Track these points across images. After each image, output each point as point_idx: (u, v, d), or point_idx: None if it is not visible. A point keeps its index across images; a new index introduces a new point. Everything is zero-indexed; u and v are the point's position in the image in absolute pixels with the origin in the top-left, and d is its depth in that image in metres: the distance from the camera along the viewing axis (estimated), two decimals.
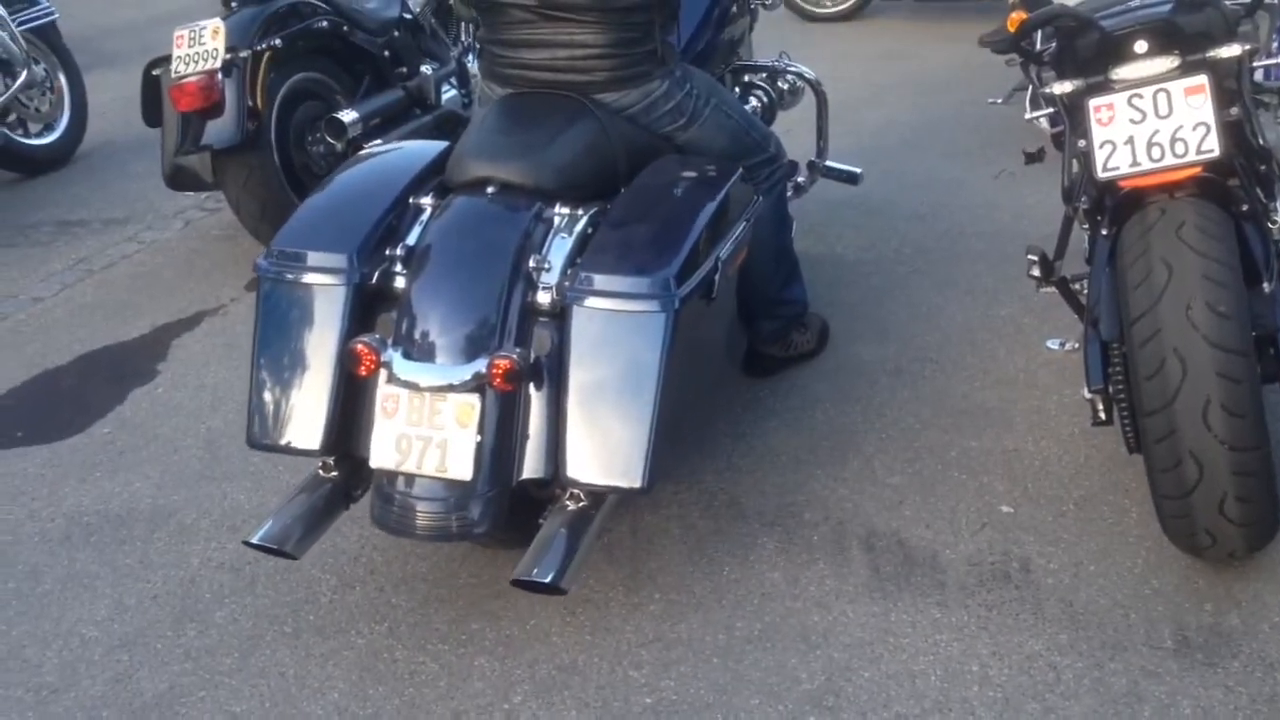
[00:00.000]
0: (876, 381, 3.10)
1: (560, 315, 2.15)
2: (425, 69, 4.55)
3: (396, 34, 4.51)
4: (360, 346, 2.11)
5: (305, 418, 2.22)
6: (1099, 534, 2.44)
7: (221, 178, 3.96)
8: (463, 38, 4.91)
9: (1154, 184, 2.19)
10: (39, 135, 5.16)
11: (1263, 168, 2.33)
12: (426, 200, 2.38)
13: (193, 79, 3.82)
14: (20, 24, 5.03)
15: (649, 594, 2.41)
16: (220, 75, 3.82)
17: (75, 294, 4.03)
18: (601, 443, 2.09)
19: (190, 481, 2.93)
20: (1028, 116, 2.62)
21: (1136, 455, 2.28)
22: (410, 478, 2.13)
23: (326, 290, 2.24)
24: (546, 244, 2.26)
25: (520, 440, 2.15)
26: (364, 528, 2.68)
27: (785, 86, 3.55)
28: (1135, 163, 2.17)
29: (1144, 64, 2.20)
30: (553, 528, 2.14)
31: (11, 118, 4.98)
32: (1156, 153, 2.15)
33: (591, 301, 2.11)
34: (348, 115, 4.12)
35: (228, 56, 3.82)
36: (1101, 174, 2.21)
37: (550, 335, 2.17)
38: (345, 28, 4.27)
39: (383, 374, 2.11)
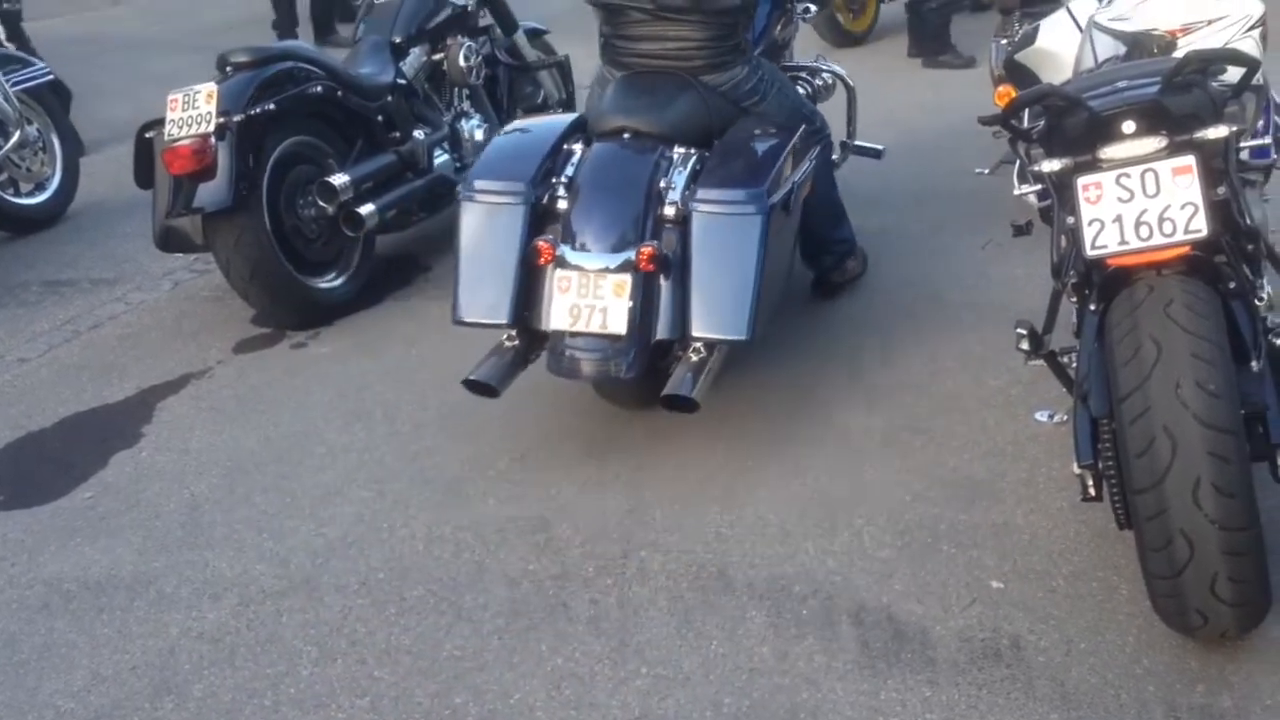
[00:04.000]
0: (866, 451, 3.09)
1: (683, 221, 2.99)
2: (418, 133, 4.57)
3: (390, 98, 4.54)
4: (542, 243, 2.99)
5: (496, 300, 3.04)
6: (1090, 611, 2.42)
7: (212, 240, 3.95)
8: (455, 103, 4.94)
9: (1142, 261, 2.20)
10: (30, 195, 5.16)
11: (1249, 246, 2.35)
12: (577, 146, 3.23)
13: (186, 142, 3.83)
14: (14, 84, 5.06)
15: (635, 668, 2.38)
16: (213, 139, 3.83)
17: (61, 355, 4.01)
18: (716, 307, 2.93)
19: (171, 548, 2.90)
20: (1016, 192, 2.63)
21: (1127, 531, 2.27)
22: (578, 336, 2.96)
23: (511, 208, 3.07)
24: (670, 173, 3.10)
25: (656, 310, 2.96)
26: (346, 596, 2.66)
27: (821, 83, 4.27)
28: (1124, 241, 2.19)
29: (1132, 144, 2.22)
30: (682, 370, 2.96)
31: (3, 177, 4.99)
32: (1145, 232, 2.16)
33: (707, 209, 2.96)
34: (339, 179, 4.13)
35: (221, 120, 3.84)
36: (1090, 252, 2.22)
37: (675, 236, 2.99)
38: (339, 92, 4.29)
39: (557, 262, 2.96)
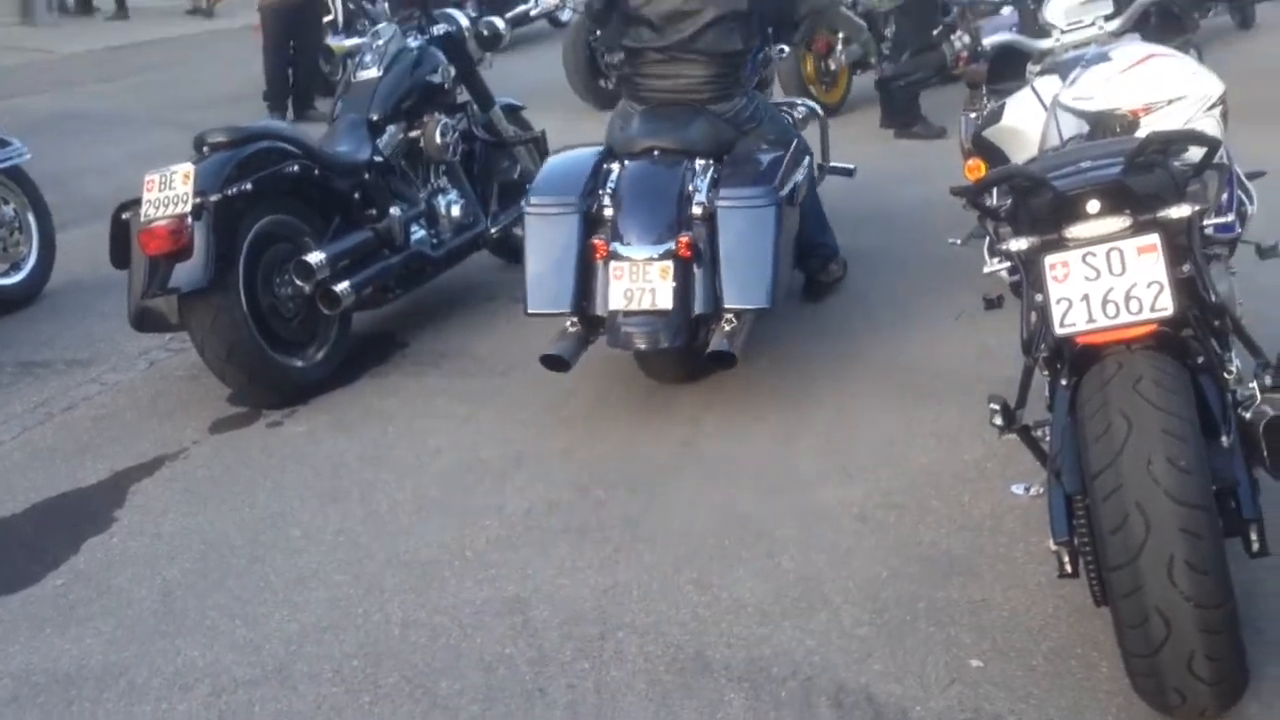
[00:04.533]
0: (842, 527, 3.08)
1: (709, 218, 3.70)
2: (394, 210, 4.59)
3: (367, 176, 4.56)
4: (597, 241, 3.70)
5: (559, 291, 3.72)
6: (1069, 689, 2.40)
7: (188, 320, 3.95)
8: (431, 179, 4.97)
9: (1111, 339, 2.22)
10: (5, 275, 5.14)
11: (1216, 321, 2.37)
12: (614, 165, 3.90)
13: (162, 223, 3.84)
14: None
15: None
16: (190, 219, 3.84)
17: (35, 437, 3.98)
18: (743, 283, 3.64)
19: (143, 636, 2.85)
20: (986, 270, 2.66)
21: (1105, 607, 2.26)
22: (632, 314, 3.62)
23: (567, 217, 3.75)
24: (694, 180, 3.81)
25: (693, 290, 3.66)
26: (320, 685, 2.62)
27: (799, 114, 4.92)
28: (1091, 319, 2.20)
29: (1097, 223, 2.25)
30: (719, 335, 3.64)
31: None
32: (1112, 310, 2.19)
33: (730, 204, 3.70)
34: (315, 257, 4.15)
35: (198, 200, 3.85)
36: (1059, 330, 2.24)
37: (704, 229, 3.69)
38: (316, 171, 4.31)
39: (611, 256, 3.67)
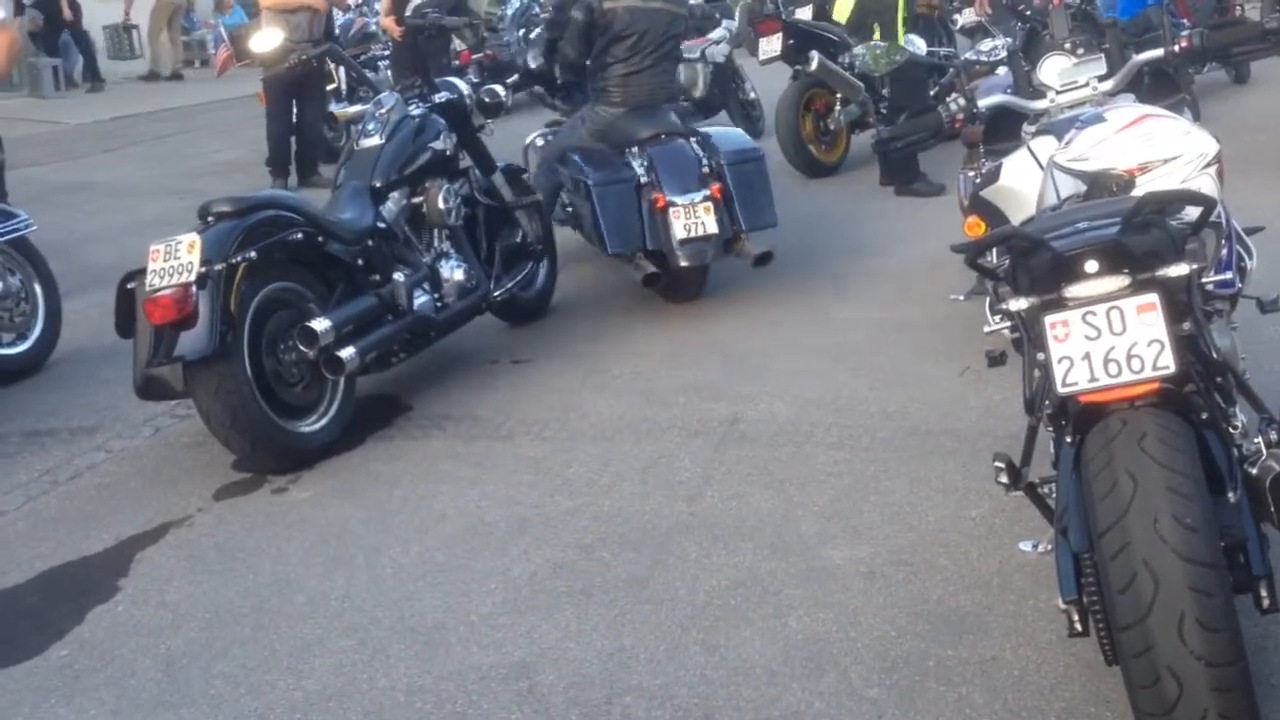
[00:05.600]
0: (850, 586, 3.07)
1: (720, 172, 5.40)
2: (398, 275, 4.62)
3: (370, 242, 4.60)
4: (656, 195, 5.25)
5: (632, 237, 5.29)
6: None
7: (193, 387, 3.96)
8: (434, 244, 5.01)
9: (1113, 397, 2.23)
10: (11, 344, 5.17)
11: (1219, 377, 2.38)
12: (635, 151, 5.44)
13: (167, 292, 3.86)
14: None
15: None
16: (194, 288, 3.87)
17: (40, 506, 3.97)
18: (756, 211, 5.42)
19: (146, 708, 2.83)
20: (987, 329, 2.68)
21: (1117, 665, 2.25)
22: (689, 241, 5.24)
23: (625, 185, 5.32)
24: (697, 150, 5.44)
25: (724, 221, 5.29)
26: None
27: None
28: (1093, 378, 2.21)
29: (1096, 282, 2.26)
30: (748, 247, 5.44)
31: None
32: (1114, 369, 2.19)
33: (738, 161, 5.48)
34: (320, 324, 4.16)
35: (203, 269, 3.88)
36: (1061, 389, 2.25)
37: (716, 181, 5.35)
38: (320, 238, 4.35)
39: (669, 205, 5.25)
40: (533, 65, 6.29)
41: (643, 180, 5.28)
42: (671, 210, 5.22)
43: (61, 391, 5.00)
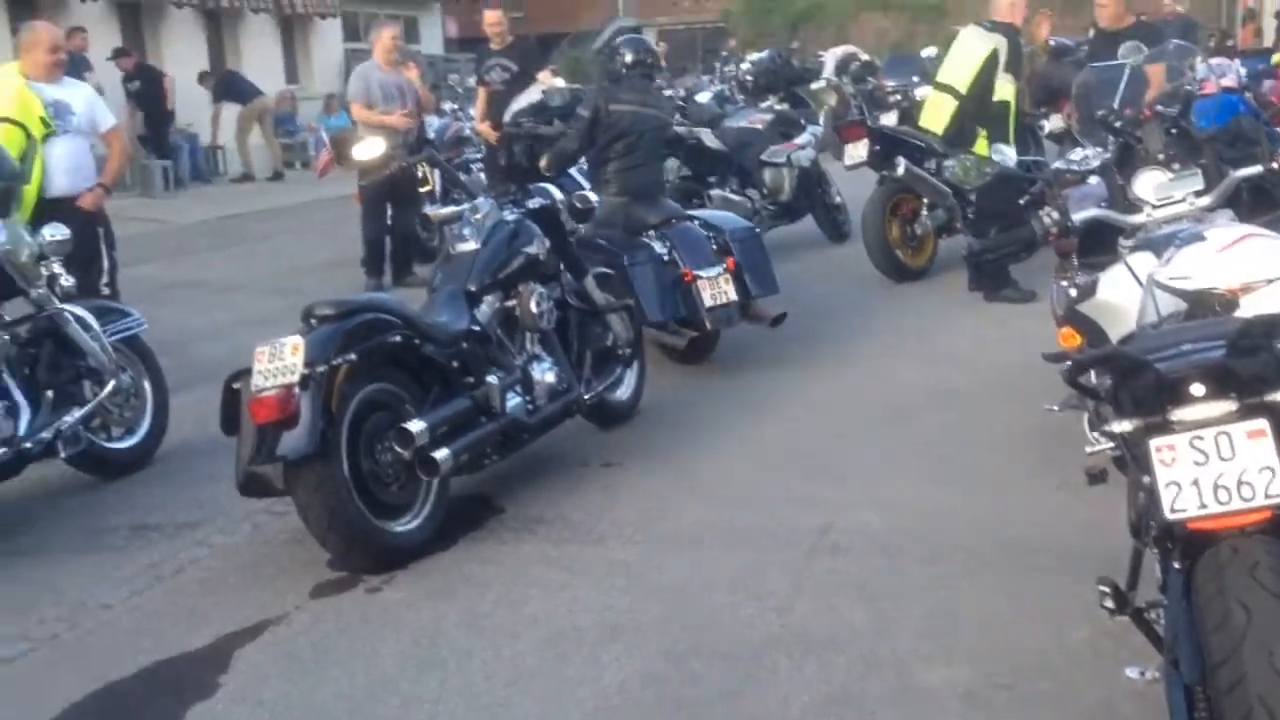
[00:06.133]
0: (948, 708, 3.02)
1: (726, 248, 6.25)
2: (492, 378, 4.70)
3: (465, 345, 4.70)
4: (684, 270, 6.07)
5: (670, 305, 6.03)
6: None
7: (292, 486, 4.05)
8: (527, 347, 5.10)
9: (1223, 525, 2.19)
10: (120, 439, 5.34)
11: None
12: (651, 234, 6.18)
13: (271, 393, 3.98)
14: (111, 335, 5.31)
15: None
16: (297, 389, 3.98)
17: (144, 601, 4.07)
18: (762, 280, 6.35)
19: None
20: (1089, 450, 2.65)
21: None
22: (717, 307, 6.06)
23: (656, 265, 6.05)
24: (706, 231, 6.36)
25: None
26: None
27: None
28: (1203, 505, 2.18)
29: (1202, 406, 2.24)
30: (761, 312, 6.40)
31: (95, 422, 5.18)
32: (1224, 495, 2.17)
33: (740, 239, 6.35)
34: (415, 425, 4.25)
35: (305, 371, 3.99)
36: (1169, 515, 2.22)
37: (727, 254, 6.22)
38: (417, 341, 4.46)
39: (695, 279, 6.04)
40: (502, 161, 7.48)
41: (665, 258, 6.03)
42: (699, 282, 6.01)
43: (167, 486, 5.14)
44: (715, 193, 8.84)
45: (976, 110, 7.52)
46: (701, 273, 6.00)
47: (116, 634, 3.84)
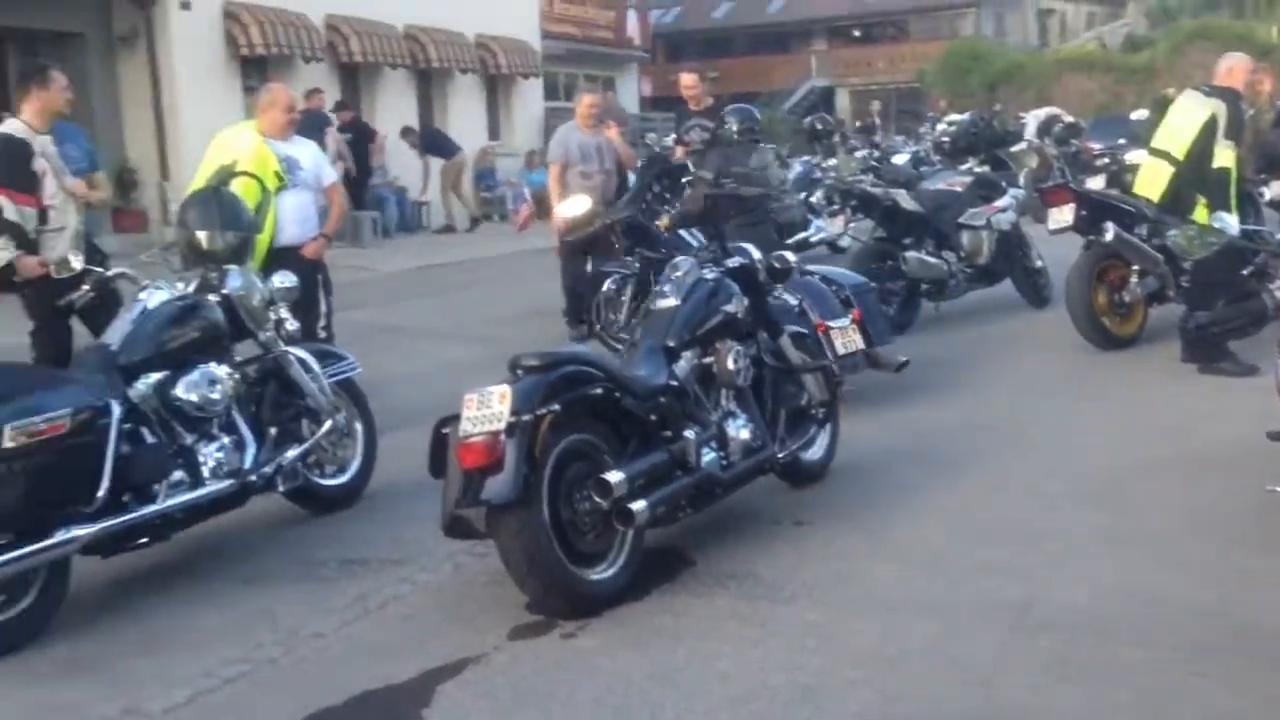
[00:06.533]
0: None
1: (849, 301, 6.55)
2: (689, 433, 4.76)
3: (663, 399, 4.77)
4: (817, 321, 6.20)
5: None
6: None
7: (495, 530, 4.19)
8: (722, 403, 5.14)
9: None
10: (332, 476, 5.62)
11: None
12: (780, 287, 5.87)
13: (478, 439, 4.13)
14: (329, 377, 5.60)
15: None
16: (503, 437, 4.12)
17: (353, 632, 4.26)
18: (880, 329, 6.74)
19: None
20: None
21: None
22: (847, 355, 6.26)
23: (790, 312, 6.03)
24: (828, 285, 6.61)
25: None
26: None
27: None
28: None
29: None
30: (885, 359, 6.53)
31: (312, 459, 5.47)
32: None
33: (857, 290, 6.72)
34: (614, 476, 4.33)
35: (512, 419, 4.13)
36: None
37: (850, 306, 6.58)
38: (617, 394, 4.56)
39: (828, 329, 6.28)
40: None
41: (797, 310, 6.20)
42: (831, 332, 6.27)
43: (374, 523, 5.38)
44: (910, 255, 8.76)
45: (1194, 177, 7.25)
46: (832, 323, 6.31)
47: (328, 662, 4.03)
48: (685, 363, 5.01)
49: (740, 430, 5.06)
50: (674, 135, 11.08)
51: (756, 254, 5.73)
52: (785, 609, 4.21)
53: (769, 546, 4.81)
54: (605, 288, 8.43)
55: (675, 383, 4.89)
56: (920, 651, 3.76)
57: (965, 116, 11.82)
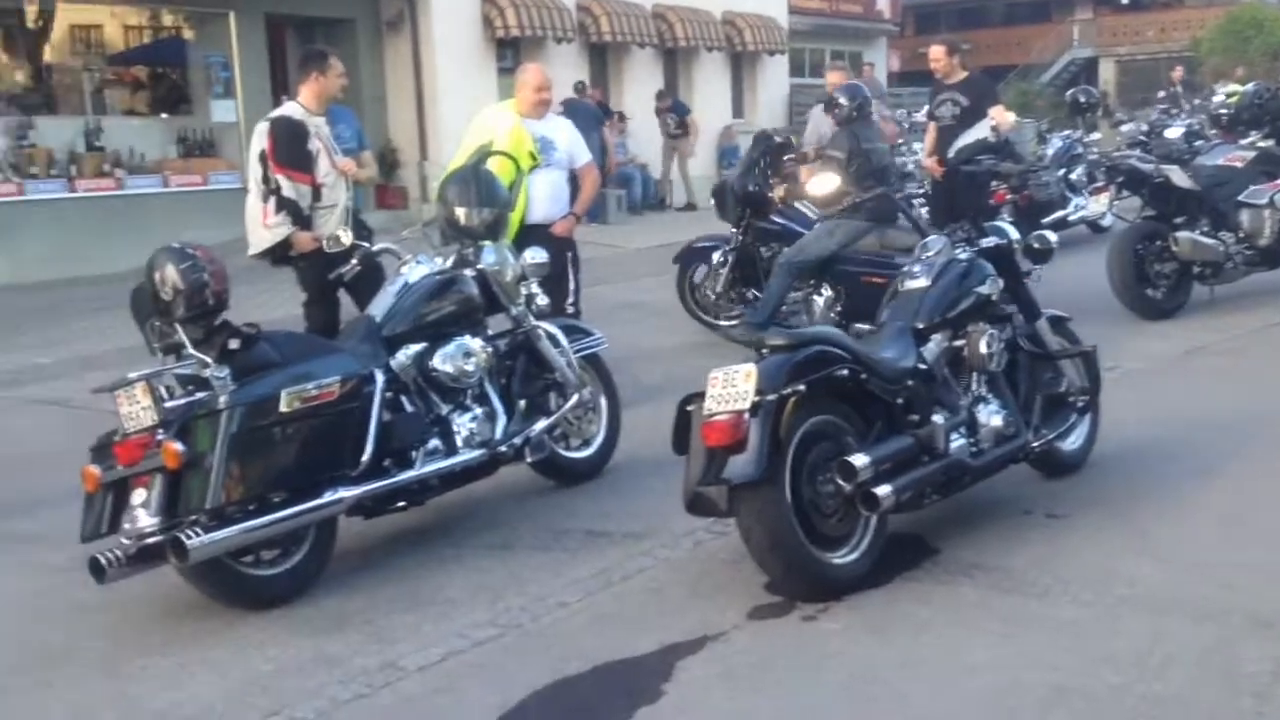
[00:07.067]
0: None
1: None
2: (937, 418, 4.61)
3: (910, 382, 4.65)
4: None
5: None
6: None
7: (736, 508, 4.18)
8: (973, 388, 4.96)
9: None
10: (578, 449, 5.75)
11: None
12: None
13: (722, 418, 4.13)
14: (576, 351, 5.73)
15: None
16: (747, 415, 4.10)
17: (596, 602, 4.34)
18: None
19: None
20: None
21: None
22: None
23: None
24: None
25: None
26: None
27: None
28: None
29: None
30: None
31: (558, 432, 5.61)
32: None
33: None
34: (859, 459, 4.25)
35: (756, 399, 4.11)
36: None
37: None
38: (864, 375, 4.46)
39: None
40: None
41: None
42: None
43: (616, 496, 5.47)
44: (1182, 235, 8.21)
45: None
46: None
47: (572, 630, 4.13)
48: (935, 345, 4.86)
49: (992, 416, 4.87)
50: (925, 109, 10.77)
51: (1014, 234, 5.49)
52: (1037, 604, 4.04)
53: (1020, 538, 4.62)
54: (714, 259, 8.78)
55: (924, 365, 4.75)
56: (1188, 659, 3.53)
57: (1249, 87, 10.93)
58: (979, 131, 8.83)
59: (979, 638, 3.81)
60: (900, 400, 4.59)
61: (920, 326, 4.86)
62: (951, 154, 8.84)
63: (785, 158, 9.12)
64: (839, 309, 7.90)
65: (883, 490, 4.24)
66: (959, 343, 4.94)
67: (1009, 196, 10.23)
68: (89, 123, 13.79)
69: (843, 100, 8.05)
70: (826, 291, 7.97)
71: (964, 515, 4.86)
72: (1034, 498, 5.03)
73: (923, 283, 5.01)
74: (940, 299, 4.95)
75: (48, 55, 14.49)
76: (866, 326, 7.11)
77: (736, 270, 8.70)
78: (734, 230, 8.65)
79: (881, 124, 9.70)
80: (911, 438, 4.53)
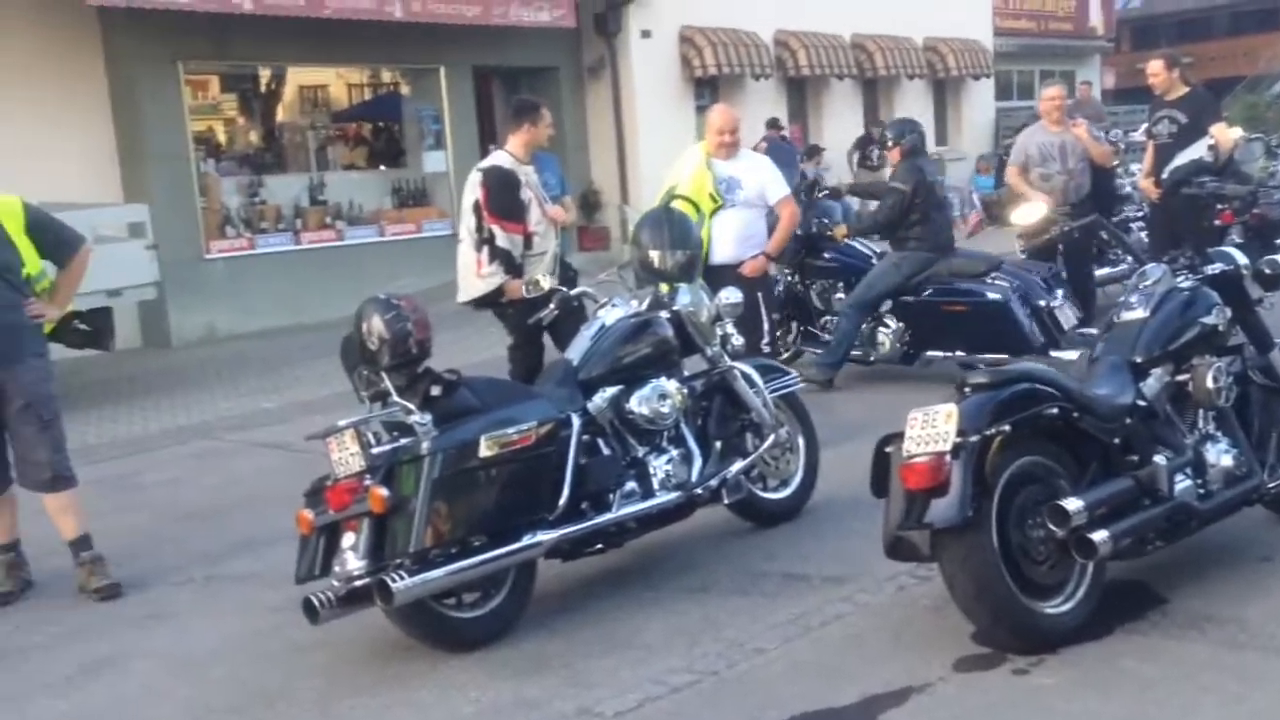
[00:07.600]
0: None
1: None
2: (1159, 458, 4.33)
3: (1128, 420, 4.38)
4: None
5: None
6: None
7: (939, 554, 4.02)
8: (1199, 425, 4.64)
9: None
10: (775, 490, 5.66)
11: None
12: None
13: (922, 459, 3.98)
14: (772, 391, 5.65)
15: None
16: (949, 457, 3.94)
17: (793, 649, 4.24)
18: None
19: None
20: None
21: None
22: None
23: None
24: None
25: None
26: None
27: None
28: None
29: None
30: None
31: (755, 473, 5.54)
32: None
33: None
34: (1072, 503, 4.01)
35: (958, 440, 3.94)
36: None
37: None
38: (1075, 414, 4.23)
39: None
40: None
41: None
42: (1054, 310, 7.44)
43: (814, 538, 5.35)
44: None
45: None
46: (1053, 304, 7.31)
47: (769, 678, 4.04)
48: (1155, 380, 4.58)
49: (1221, 456, 4.55)
50: (1143, 127, 10.25)
51: (1242, 259, 5.13)
52: (1277, 661, 3.71)
53: (1257, 588, 4.29)
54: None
55: (1143, 402, 4.48)
56: None
57: None
58: (1195, 151, 8.36)
59: (1211, 697, 3.53)
60: (1117, 440, 4.34)
61: (1138, 360, 4.59)
62: (1165, 175, 8.39)
63: (816, 194, 9.51)
64: (908, 339, 8.11)
65: (1099, 536, 3.99)
66: (1183, 377, 4.64)
67: (1238, 219, 9.60)
68: (313, 178, 14.59)
69: (890, 134, 8.35)
70: (893, 324, 8.11)
71: (1193, 563, 4.54)
72: (1272, 543, 4.67)
73: (1140, 314, 4.73)
74: (1160, 331, 4.67)
75: (279, 116, 15.42)
76: (940, 354, 7.90)
77: (788, 308, 8.67)
78: (784, 270, 8.61)
79: (1092, 145, 9.25)
80: (1131, 479, 4.27)
